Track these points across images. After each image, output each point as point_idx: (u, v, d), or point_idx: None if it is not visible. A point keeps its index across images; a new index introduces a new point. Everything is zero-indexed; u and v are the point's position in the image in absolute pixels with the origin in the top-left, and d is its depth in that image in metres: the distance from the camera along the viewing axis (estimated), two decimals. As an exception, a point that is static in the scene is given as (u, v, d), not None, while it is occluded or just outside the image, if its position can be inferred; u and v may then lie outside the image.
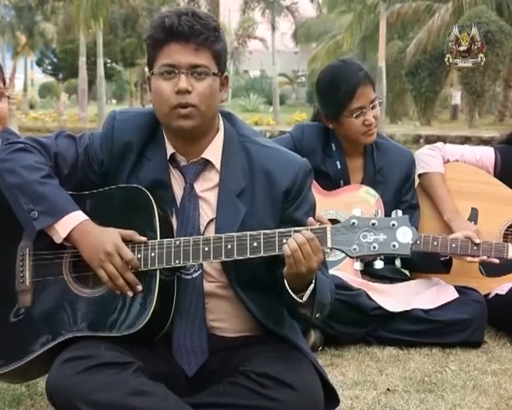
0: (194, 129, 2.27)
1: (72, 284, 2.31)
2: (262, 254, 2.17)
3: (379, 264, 2.14)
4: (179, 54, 2.23)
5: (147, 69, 2.35)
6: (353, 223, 2.12)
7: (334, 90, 3.64)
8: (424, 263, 3.72)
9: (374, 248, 2.10)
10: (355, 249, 2.12)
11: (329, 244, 2.14)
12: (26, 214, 2.25)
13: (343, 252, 2.14)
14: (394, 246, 2.10)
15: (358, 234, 2.12)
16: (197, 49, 2.23)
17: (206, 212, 2.34)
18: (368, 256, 2.13)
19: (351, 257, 2.14)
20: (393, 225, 2.11)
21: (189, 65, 2.23)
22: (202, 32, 2.23)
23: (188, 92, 2.22)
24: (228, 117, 2.42)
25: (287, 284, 2.18)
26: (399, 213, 2.14)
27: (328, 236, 2.14)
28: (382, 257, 2.15)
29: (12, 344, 2.33)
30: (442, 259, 3.68)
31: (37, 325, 2.31)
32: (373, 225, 2.11)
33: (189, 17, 2.23)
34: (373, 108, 3.66)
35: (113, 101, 41.91)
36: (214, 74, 2.27)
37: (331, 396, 2.35)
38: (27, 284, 2.35)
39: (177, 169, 2.36)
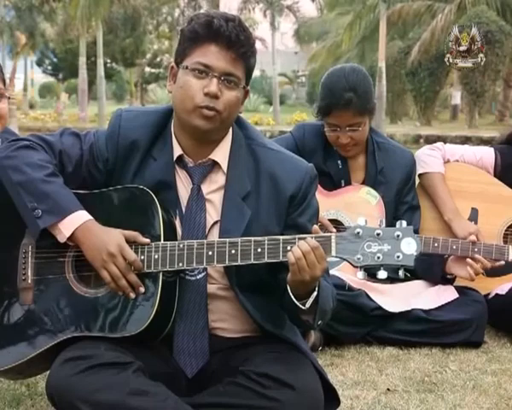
0: (209, 132, 2.27)
1: (74, 283, 2.30)
2: (266, 260, 2.17)
3: (382, 274, 2.14)
4: (217, 57, 2.23)
5: (172, 60, 2.34)
6: (358, 232, 2.12)
7: (321, 98, 3.68)
8: (429, 277, 3.73)
9: (378, 258, 2.11)
10: (359, 259, 2.12)
11: (334, 253, 2.14)
12: (29, 213, 2.25)
13: (347, 261, 2.14)
14: (398, 257, 2.10)
15: (363, 244, 2.12)
16: (235, 59, 2.24)
17: (211, 214, 2.33)
18: (371, 266, 2.13)
19: (354, 266, 2.14)
20: (398, 235, 2.11)
21: (224, 72, 2.23)
22: (244, 45, 2.24)
23: (216, 97, 2.23)
24: (236, 119, 2.41)
25: (290, 291, 2.18)
26: (404, 223, 2.14)
27: (333, 244, 2.14)
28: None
29: (13, 342, 2.33)
30: (448, 277, 3.68)
31: (37, 324, 2.31)
32: (377, 235, 2.11)
33: (235, 25, 2.23)
34: (352, 130, 3.65)
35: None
36: (243, 87, 2.29)
37: (331, 396, 2.35)
38: (29, 281, 2.35)
39: (184, 170, 2.35)
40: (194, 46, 2.25)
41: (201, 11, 2.34)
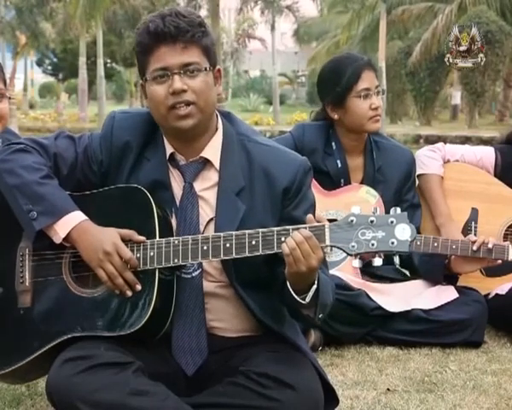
0: (193, 128, 2.28)
1: (71, 284, 2.31)
2: (260, 252, 2.17)
3: (378, 261, 2.15)
4: (169, 56, 2.23)
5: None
6: (351, 220, 2.12)
7: (341, 72, 3.69)
8: (431, 277, 3.73)
9: (372, 245, 2.10)
10: (353, 247, 2.11)
11: (328, 242, 2.14)
12: (25, 215, 2.26)
13: (341, 249, 2.14)
14: (393, 243, 2.09)
15: (357, 231, 2.11)
16: (186, 48, 2.24)
17: (206, 211, 2.34)
18: (366, 253, 2.13)
19: (349, 254, 2.14)
20: (392, 222, 2.10)
21: (181, 64, 2.24)
22: (188, 30, 2.23)
23: (183, 91, 2.23)
24: (227, 116, 2.42)
25: (289, 286, 2.18)
26: (398, 210, 2.14)
27: (327, 233, 2.14)
28: (381, 254, 2.15)
29: (12, 344, 2.33)
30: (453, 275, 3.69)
31: (36, 326, 2.31)
32: (371, 222, 2.11)
33: (172, 17, 2.23)
34: (377, 93, 3.70)
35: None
36: (206, 69, 2.27)
37: (331, 396, 2.35)
38: (27, 284, 2.35)
39: (177, 168, 2.36)
40: (146, 57, 2.27)
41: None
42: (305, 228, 2.14)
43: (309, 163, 2.39)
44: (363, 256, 2.17)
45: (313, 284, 2.18)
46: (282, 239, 2.15)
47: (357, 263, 2.20)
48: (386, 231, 2.10)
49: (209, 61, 2.29)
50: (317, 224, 2.16)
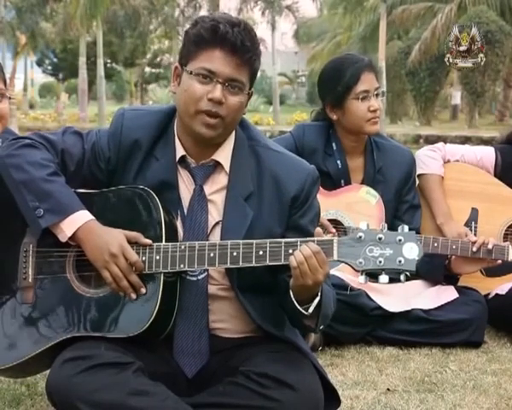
0: (213, 138, 2.28)
1: (75, 283, 2.30)
2: (267, 262, 2.17)
3: (384, 278, 2.12)
4: (222, 63, 2.22)
5: (174, 61, 2.33)
6: (360, 236, 2.12)
7: (340, 73, 3.68)
8: (432, 277, 3.73)
9: (380, 262, 2.10)
10: (361, 263, 2.11)
11: (335, 257, 2.14)
12: (31, 212, 2.25)
13: (349, 265, 2.14)
14: (400, 261, 2.09)
15: (365, 248, 2.11)
16: (240, 65, 2.23)
17: (213, 214, 2.33)
18: (373, 270, 2.13)
19: (356, 270, 2.13)
20: (400, 240, 2.10)
21: (229, 78, 2.23)
22: (249, 50, 2.23)
23: (220, 103, 2.22)
24: (239, 121, 2.41)
25: (292, 296, 2.18)
26: (406, 228, 2.13)
27: (335, 248, 2.14)
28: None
29: (13, 340, 2.33)
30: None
31: (38, 323, 2.30)
32: (379, 239, 2.11)
33: (241, 30, 2.22)
34: (377, 95, 3.69)
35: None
36: (247, 92, 2.29)
37: (332, 397, 2.35)
38: (30, 280, 2.34)
39: (187, 170, 2.35)
40: (198, 50, 2.24)
41: (205, 14, 2.34)
42: (314, 241, 2.14)
43: (317, 172, 2.39)
44: (369, 272, 2.15)
45: (316, 295, 2.18)
46: (290, 251, 2.14)
47: (362, 279, 2.17)
48: (393, 249, 2.10)
49: (251, 84, 2.30)
50: (325, 238, 2.17)
